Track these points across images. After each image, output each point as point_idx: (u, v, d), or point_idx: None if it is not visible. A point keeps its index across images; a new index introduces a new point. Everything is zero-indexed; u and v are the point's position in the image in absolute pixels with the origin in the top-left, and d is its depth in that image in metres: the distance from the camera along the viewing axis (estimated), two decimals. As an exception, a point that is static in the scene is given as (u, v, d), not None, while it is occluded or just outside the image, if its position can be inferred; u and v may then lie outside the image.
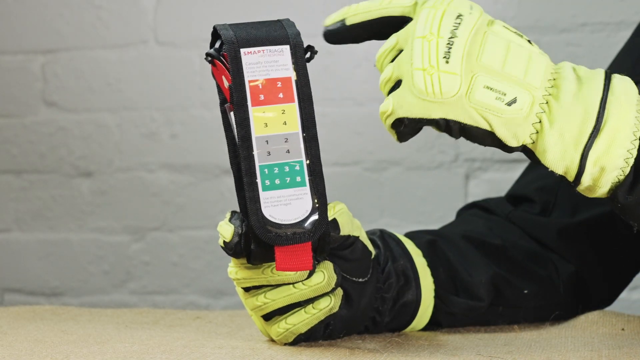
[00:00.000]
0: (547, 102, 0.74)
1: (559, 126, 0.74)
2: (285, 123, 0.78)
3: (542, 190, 1.03)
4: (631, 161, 0.74)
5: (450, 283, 0.92)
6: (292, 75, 0.79)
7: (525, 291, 0.95)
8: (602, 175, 0.75)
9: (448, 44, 0.74)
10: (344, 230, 0.82)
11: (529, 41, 0.76)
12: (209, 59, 0.79)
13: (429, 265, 0.92)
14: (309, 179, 0.78)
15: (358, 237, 0.84)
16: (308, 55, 0.80)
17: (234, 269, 0.83)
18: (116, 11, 1.62)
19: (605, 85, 0.75)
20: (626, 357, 0.80)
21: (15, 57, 1.66)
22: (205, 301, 1.58)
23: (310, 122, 0.79)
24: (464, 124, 0.74)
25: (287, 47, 0.79)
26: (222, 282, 1.57)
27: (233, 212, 0.81)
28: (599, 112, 0.74)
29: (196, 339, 0.88)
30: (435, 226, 1.03)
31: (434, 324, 0.93)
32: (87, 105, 1.63)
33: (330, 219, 0.80)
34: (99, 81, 1.63)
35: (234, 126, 0.78)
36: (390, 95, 0.76)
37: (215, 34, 0.80)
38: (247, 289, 0.84)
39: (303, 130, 0.79)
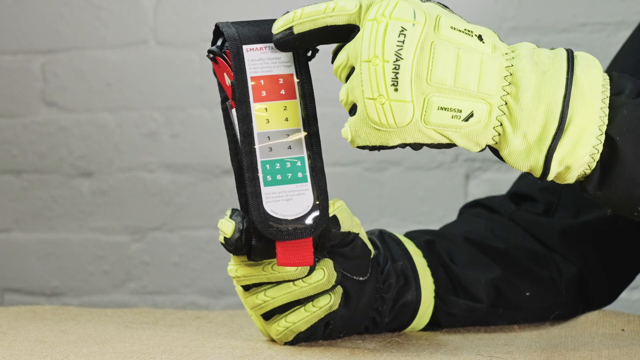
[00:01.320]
0: (506, 103, 0.72)
1: (521, 129, 0.73)
2: (287, 119, 0.79)
3: (546, 190, 1.03)
4: (597, 156, 0.73)
5: (450, 284, 0.92)
6: (294, 72, 0.79)
7: (527, 293, 0.95)
8: (568, 172, 0.74)
9: (394, 68, 0.71)
10: (344, 227, 0.82)
11: (479, 37, 0.73)
12: (211, 56, 0.80)
13: (429, 265, 0.92)
14: (311, 175, 0.78)
15: (358, 234, 0.84)
16: (309, 53, 0.80)
17: (234, 267, 0.83)
18: (116, 11, 1.62)
19: (568, 77, 0.72)
20: (626, 357, 0.80)
21: (15, 57, 1.66)
22: (205, 301, 1.58)
23: (312, 118, 0.79)
24: (424, 144, 0.74)
25: None
26: (222, 282, 1.57)
27: (233, 210, 0.81)
28: (562, 110, 0.72)
29: (196, 339, 0.88)
30: (435, 226, 1.03)
31: (434, 324, 0.93)
32: (87, 105, 1.63)
33: (330, 215, 0.81)
34: (99, 81, 1.63)
35: (236, 122, 0.79)
36: (348, 123, 0.75)
37: (217, 32, 0.81)
38: (247, 288, 0.84)
39: (304, 127, 0.79)
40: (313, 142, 0.79)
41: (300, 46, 0.78)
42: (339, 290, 0.84)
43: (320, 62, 1.51)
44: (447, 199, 1.48)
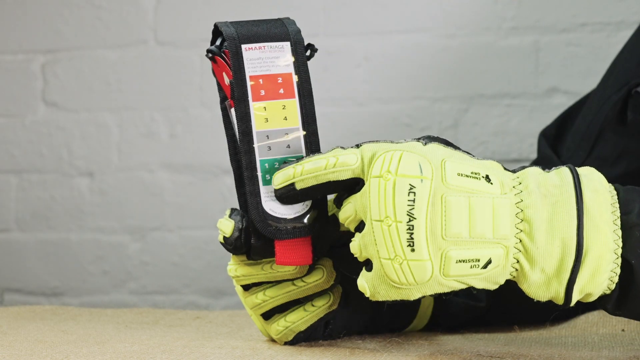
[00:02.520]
0: (520, 241, 0.72)
1: (539, 265, 0.72)
2: (285, 118, 0.79)
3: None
4: (615, 279, 0.73)
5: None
6: (293, 71, 0.79)
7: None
8: (589, 297, 0.74)
9: (408, 229, 0.71)
10: (343, 227, 0.82)
11: (486, 178, 0.72)
12: (210, 55, 0.80)
13: (429, 265, 0.92)
14: None
15: (357, 234, 0.84)
16: (308, 53, 0.80)
17: (234, 266, 0.83)
18: (116, 11, 1.62)
19: (578, 207, 0.72)
20: (626, 358, 0.80)
21: (15, 57, 1.66)
22: (205, 301, 1.58)
23: (311, 117, 0.79)
24: (444, 293, 0.74)
25: (288, 43, 0.80)
26: (222, 282, 1.57)
27: (233, 209, 0.81)
28: (577, 242, 0.72)
29: (196, 339, 0.88)
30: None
31: (434, 324, 0.93)
32: (87, 105, 1.63)
33: (329, 214, 0.81)
34: (99, 81, 1.62)
35: (235, 122, 0.79)
36: (364, 277, 0.74)
37: (216, 32, 0.81)
38: (246, 287, 0.84)
39: (303, 126, 0.79)
40: (312, 141, 0.79)
41: (303, 199, 0.77)
42: (339, 289, 0.84)
43: (320, 61, 1.51)
44: (447, 199, 1.49)
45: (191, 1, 1.59)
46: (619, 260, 0.73)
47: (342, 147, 0.75)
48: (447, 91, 1.48)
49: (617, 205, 0.73)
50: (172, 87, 1.59)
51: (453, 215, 0.71)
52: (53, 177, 1.64)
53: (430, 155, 0.72)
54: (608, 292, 0.74)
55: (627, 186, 0.75)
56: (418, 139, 0.74)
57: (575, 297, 0.73)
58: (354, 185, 0.75)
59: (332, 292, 0.84)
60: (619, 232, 0.72)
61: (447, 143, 0.75)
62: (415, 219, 0.71)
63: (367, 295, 0.74)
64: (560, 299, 0.74)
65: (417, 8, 1.50)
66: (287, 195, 0.76)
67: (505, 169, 0.75)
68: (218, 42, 0.80)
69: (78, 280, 1.64)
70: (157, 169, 1.60)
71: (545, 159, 1.09)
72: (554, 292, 0.73)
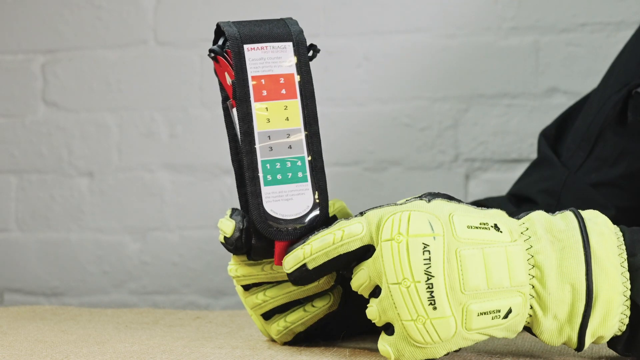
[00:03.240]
0: (533, 287, 0.73)
1: (551, 312, 0.73)
2: (287, 119, 0.79)
3: (546, 192, 1.04)
4: (626, 320, 0.74)
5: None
6: (295, 71, 0.79)
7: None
8: (601, 340, 0.75)
9: (428, 287, 0.71)
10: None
11: (495, 227, 0.72)
12: (212, 55, 0.80)
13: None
14: (311, 175, 0.78)
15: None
16: (310, 53, 0.80)
17: (234, 267, 0.83)
18: (116, 11, 1.62)
19: (586, 252, 0.72)
20: (625, 357, 0.80)
21: (15, 57, 1.66)
22: (205, 301, 1.58)
23: (313, 118, 0.79)
24: (467, 346, 0.74)
25: (290, 44, 0.80)
26: (222, 282, 1.57)
27: (233, 209, 0.81)
28: (587, 287, 0.72)
29: (196, 339, 0.88)
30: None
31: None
32: (87, 105, 1.63)
33: (330, 215, 0.81)
34: (99, 81, 1.62)
35: (236, 122, 0.79)
36: (386, 342, 0.74)
37: (219, 31, 0.81)
38: (246, 288, 0.84)
39: (305, 127, 0.79)
40: (313, 141, 0.79)
41: (317, 278, 0.77)
42: (339, 290, 0.84)
43: (321, 62, 1.51)
44: (447, 199, 1.49)
45: (191, 1, 1.59)
46: (628, 302, 0.73)
47: (345, 219, 0.75)
48: (447, 91, 1.48)
49: (624, 247, 0.74)
50: (172, 87, 1.59)
51: (469, 269, 0.71)
52: (53, 177, 1.64)
53: (437, 212, 0.72)
54: (619, 333, 0.75)
55: (632, 227, 0.76)
56: (420, 197, 0.74)
57: (588, 341, 0.74)
58: (364, 252, 0.75)
59: (332, 293, 0.84)
60: (627, 274, 0.73)
61: (450, 198, 0.75)
62: (433, 276, 0.71)
63: (390, 359, 0.74)
64: (573, 344, 0.75)
65: (417, 8, 1.50)
66: (301, 277, 0.76)
67: (509, 215, 0.75)
68: (220, 42, 0.80)
69: (78, 280, 1.64)
70: (157, 169, 1.60)
71: (545, 159, 1.09)
72: (566, 337, 0.74)
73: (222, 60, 0.79)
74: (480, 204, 1.07)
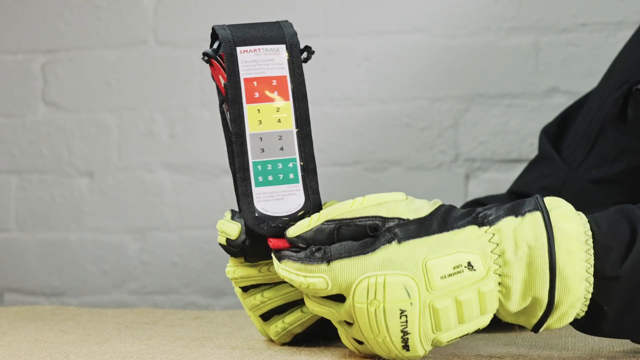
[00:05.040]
0: (498, 298, 0.75)
1: (512, 314, 0.76)
2: (279, 121, 0.79)
3: (545, 189, 1.04)
4: (582, 313, 0.76)
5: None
6: (288, 74, 0.79)
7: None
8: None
9: (403, 340, 0.73)
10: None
11: (469, 265, 0.73)
12: (206, 58, 0.80)
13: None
14: (302, 176, 0.78)
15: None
16: (305, 55, 0.80)
17: (232, 268, 0.83)
18: (116, 11, 1.62)
19: (551, 272, 0.73)
20: (626, 357, 0.80)
21: (15, 57, 1.66)
22: (205, 301, 1.58)
23: (305, 120, 0.79)
24: None
25: (283, 46, 0.79)
26: (222, 282, 1.57)
27: (233, 212, 0.81)
28: (549, 302, 0.74)
29: (196, 339, 0.88)
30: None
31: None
32: (87, 105, 1.63)
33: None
34: (99, 81, 1.62)
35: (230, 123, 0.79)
36: (354, 345, 0.76)
37: (214, 35, 0.81)
38: (245, 289, 0.84)
39: (297, 128, 0.79)
40: (305, 143, 0.79)
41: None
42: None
43: (321, 62, 1.51)
44: (447, 199, 1.48)
45: (191, 1, 1.59)
46: (587, 303, 0.75)
47: (308, 261, 0.74)
48: (447, 91, 1.48)
49: (592, 252, 0.74)
50: (172, 87, 1.59)
51: (442, 318, 0.73)
52: (53, 177, 1.64)
53: (411, 265, 0.72)
54: (578, 316, 0.77)
55: (608, 216, 0.76)
56: (390, 233, 0.73)
57: (542, 329, 0.77)
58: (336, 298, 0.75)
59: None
60: (591, 280, 0.74)
61: (419, 230, 0.74)
62: (409, 333, 0.72)
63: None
64: (527, 327, 0.77)
65: (417, 8, 1.49)
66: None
67: (480, 217, 0.75)
68: (215, 46, 0.80)
69: (78, 280, 1.64)
70: (157, 169, 1.60)
71: (546, 156, 1.09)
72: (522, 323, 0.77)
73: (215, 63, 0.79)
74: (480, 202, 1.07)
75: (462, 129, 1.48)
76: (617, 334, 0.78)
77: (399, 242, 0.73)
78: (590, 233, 0.75)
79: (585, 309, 0.75)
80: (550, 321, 0.75)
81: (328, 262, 0.73)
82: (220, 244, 0.81)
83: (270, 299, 0.83)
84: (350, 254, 0.72)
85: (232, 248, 0.80)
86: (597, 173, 1.03)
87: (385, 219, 0.74)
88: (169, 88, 1.59)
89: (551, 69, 1.45)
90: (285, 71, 0.79)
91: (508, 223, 0.75)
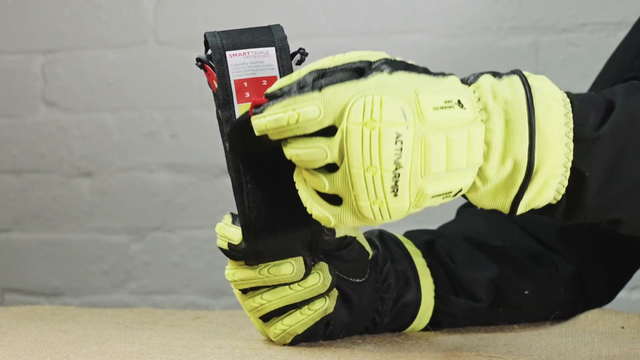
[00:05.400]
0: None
1: (491, 182, 0.73)
2: None
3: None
4: (562, 190, 0.74)
5: (449, 283, 0.92)
6: (278, 75, 0.79)
7: (526, 292, 0.95)
8: (534, 208, 0.75)
9: (394, 177, 0.69)
10: (339, 232, 0.82)
11: (459, 103, 0.70)
12: (199, 63, 0.80)
13: (428, 265, 0.92)
14: None
15: (355, 237, 0.84)
16: (298, 57, 0.80)
17: (231, 271, 0.83)
18: (116, 11, 1.62)
19: (530, 126, 0.71)
20: (626, 357, 0.80)
21: (15, 57, 1.66)
22: (205, 301, 1.58)
23: None
24: None
25: (273, 49, 0.80)
26: (222, 282, 1.57)
27: (233, 215, 0.81)
28: (528, 162, 0.72)
29: (196, 339, 0.88)
30: (434, 226, 1.03)
31: (434, 325, 0.93)
32: (87, 105, 1.63)
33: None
34: (99, 81, 1.63)
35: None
36: (328, 210, 0.71)
37: (207, 42, 0.81)
38: (244, 291, 0.84)
39: None
40: None
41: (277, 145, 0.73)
42: (334, 293, 0.84)
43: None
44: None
45: (191, 1, 1.59)
46: (568, 173, 0.73)
47: (296, 94, 0.69)
48: (447, 91, 1.48)
49: (571, 115, 0.73)
50: (172, 87, 1.59)
51: (433, 156, 0.69)
52: (53, 177, 1.64)
53: (404, 91, 0.69)
54: (554, 202, 0.74)
55: (582, 94, 0.75)
56: (376, 65, 0.70)
57: (521, 210, 0.74)
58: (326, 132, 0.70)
59: (328, 296, 0.84)
60: (571, 145, 0.73)
61: (407, 66, 0.71)
62: (402, 167, 0.69)
63: (329, 226, 0.72)
64: (505, 210, 0.74)
65: (417, 8, 1.50)
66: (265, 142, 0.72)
67: (461, 81, 0.74)
68: (209, 52, 0.81)
69: (78, 280, 1.64)
70: (157, 169, 1.60)
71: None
72: (500, 204, 0.74)
73: (208, 68, 0.80)
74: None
75: (462, 129, 1.48)
76: (603, 210, 0.75)
77: (390, 73, 0.70)
78: (568, 100, 0.74)
79: (566, 182, 0.73)
80: (530, 194, 0.73)
81: (320, 89, 0.70)
82: (220, 248, 0.81)
83: (269, 301, 0.83)
84: (342, 81, 0.70)
85: (235, 253, 0.80)
86: None
87: (371, 62, 0.71)
88: (169, 88, 1.60)
89: (551, 69, 1.45)
90: (275, 72, 0.79)
91: (487, 79, 0.74)
